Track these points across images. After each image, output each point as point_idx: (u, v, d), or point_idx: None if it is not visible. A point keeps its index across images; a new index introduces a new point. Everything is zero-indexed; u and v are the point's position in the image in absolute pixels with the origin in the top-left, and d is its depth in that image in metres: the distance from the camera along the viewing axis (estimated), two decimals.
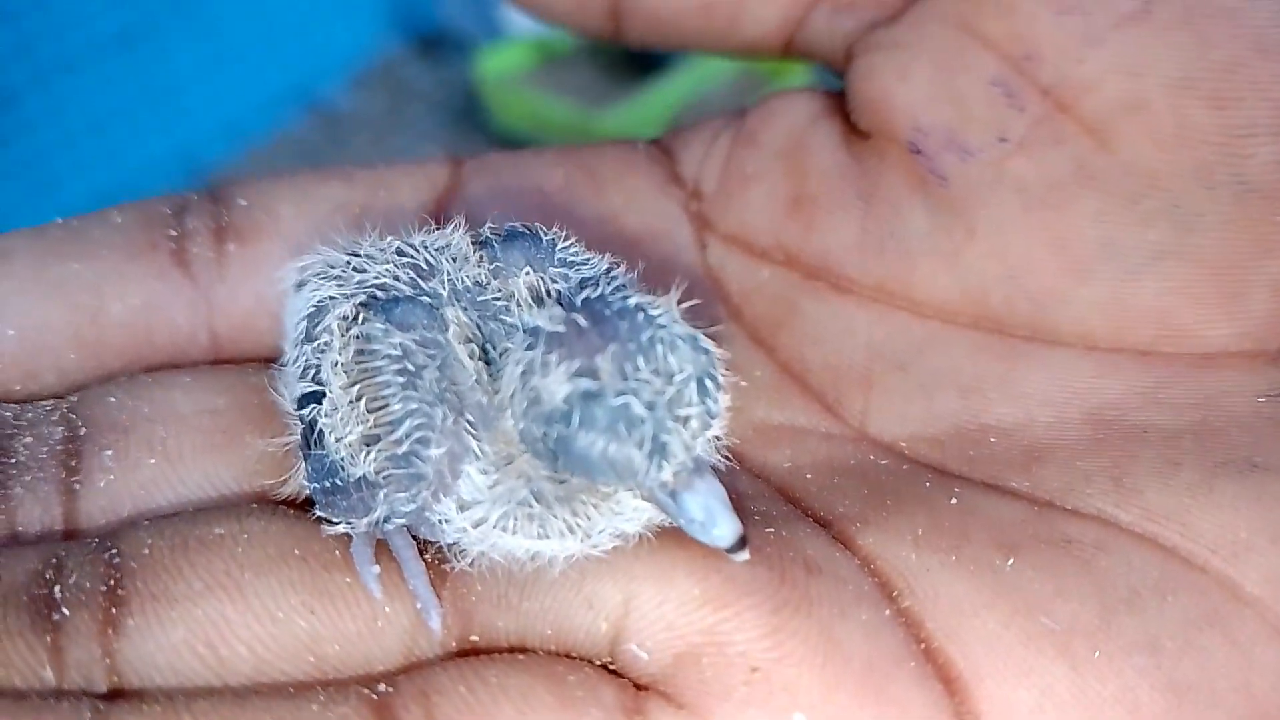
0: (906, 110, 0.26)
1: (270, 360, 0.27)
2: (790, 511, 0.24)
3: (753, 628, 0.21)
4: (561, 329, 0.21)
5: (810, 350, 0.27)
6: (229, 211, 0.28)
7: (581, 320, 0.21)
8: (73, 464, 0.24)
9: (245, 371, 0.26)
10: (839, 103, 0.29)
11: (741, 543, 0.21)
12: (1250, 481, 0.23)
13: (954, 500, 0.23)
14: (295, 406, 0.24)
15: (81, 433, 0.25)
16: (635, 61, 0.95)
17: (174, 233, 0.27)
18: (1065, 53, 0.25)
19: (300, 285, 0.25)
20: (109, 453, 0.24)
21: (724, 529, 0.21)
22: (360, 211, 0.28)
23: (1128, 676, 0.20)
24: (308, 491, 0.24)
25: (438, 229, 0.25)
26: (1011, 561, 0.22)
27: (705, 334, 0.21)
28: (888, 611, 0.21)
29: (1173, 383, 0.25)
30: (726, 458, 0.22)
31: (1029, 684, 0.20)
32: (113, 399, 0.25)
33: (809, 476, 0.25)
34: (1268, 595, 0.21)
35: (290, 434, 0.24)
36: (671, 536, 0.22)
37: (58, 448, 0.24)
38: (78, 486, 0.24)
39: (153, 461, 0.24)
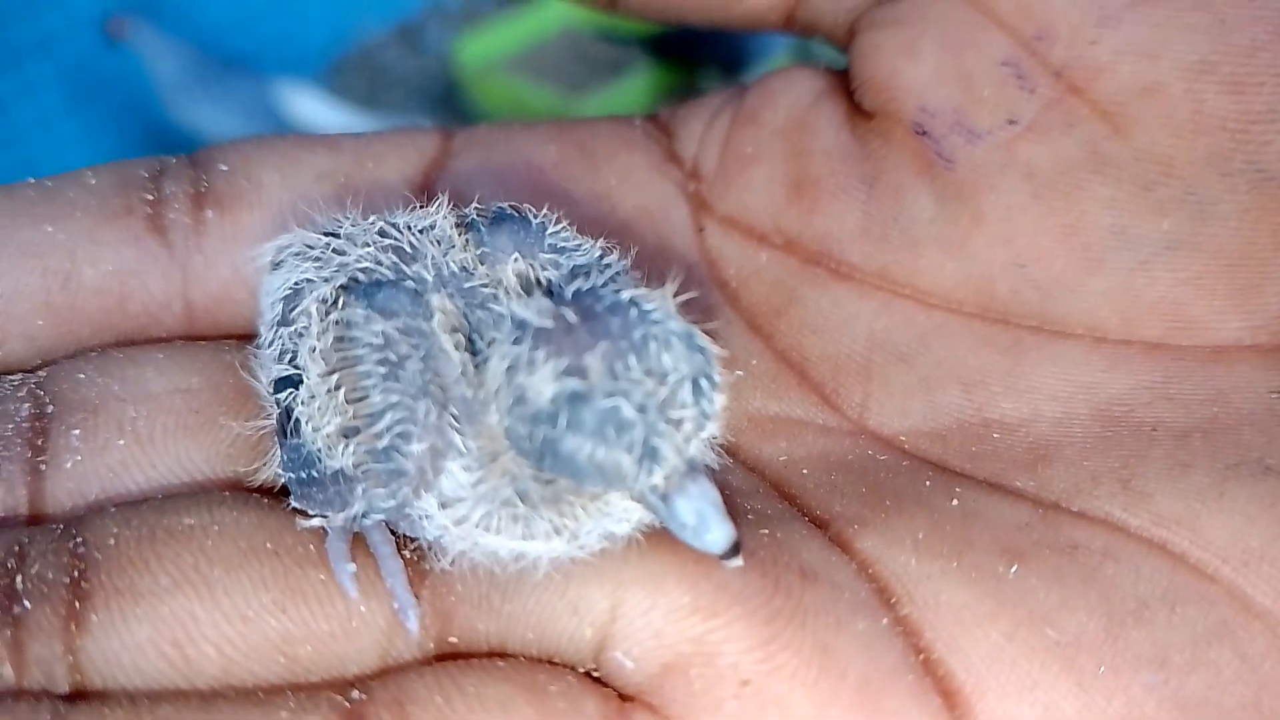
0: (912, 90, 0.25)
1: (246, 337, 0.25)
2: (786, 510, 0.23)
3: (744, 638, 0.20)
4: (550, 324, 0.19)
5: (809, 339, 0.26)
6: (209, 177, 0.27)
7: (571, 315, 0.20)
8: (40, 443, 0.23)
9: (221, 349, 0.25)
10: (842, 81, 0.28)
11: (735, 549, 0.20)
12: (1263, 486, 0.22)
13: (955, 501, 0.22)
14: (271, 391, 0.23)
15: (49, 410, 0.23)
16: (617, 47, 0.94)
17: (151, 197, 0.26)
18: (1079, 32, 0.24)
19: (277, 264, 0.24)
20: (76, 432, 0.23)
21: (716, 535, 0.19)
22: (345, 181, 0.27)
23: (1135, 693, 0.19)
24: (283, 480, 0.23)
25: (423, 206, 0.24)
26: (1015, 569, 0.21)
27: (702, 329, 0.20)
28: (885, 620, 0.20)
29: (1183, 378, 0.24)
30: (720, 452, 0.21)
31: (1032, 700, 0.19)
32: (82, 375, 0.24)
33: (805, 472, 0.24)
34: (1278, 608, 0.20)
35: (266, 418, 0.23)
36: (662, 539, 0.20)
37: (24, 425, 0.23)
38: (44, 467, 0.23)
39: (122, 443, 0.23)
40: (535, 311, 0.20)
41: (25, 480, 0.23)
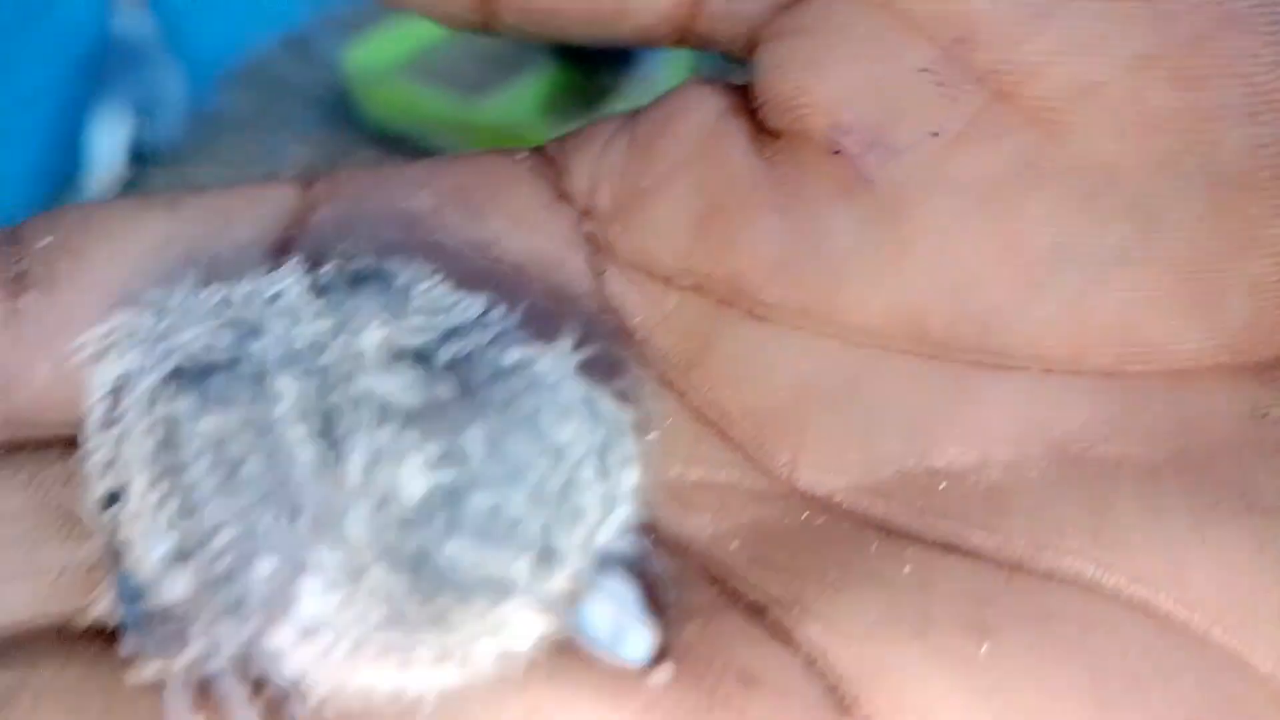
0: (822, 106, 0.23)
1: (75, 443, 0.21)
2: (716, 597, 0.20)
3: None
4: (418, 402, 0.17)
5: (728, 392, 0.23)
6: (27, 254, 0.23)
7: (444, 389, 0.17)
8: None
9: (43, 461, 0.22)
10: (745, 96, 0.25)
11: (660, 657, 0.17)
12: (1248, 527, 0.19)
13: (909, 569, 0.20)
14: (98, 508, 0.19)
15: None
16: (515, 45, 0.91)
17: None
18: (1004, 33, 0.21)
19: (102, 355, 0.20)
20: None
21: (636, 644, 0.17)
22: (189, 248, 0.23)
23: None
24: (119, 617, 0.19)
25: (276, 269, 0.20)
26: (987, 648, 0.18)
27: (606, 391, 0.18)
28: None
29: (1144, 407, 0.21)
30: (636, 533, 0.18)
31: None
32: None
33: (735, 546, 0.21)
34: None
35: (94, 544, 0.19)
36: (574, 654, 0.17)
37: None
38: None
39: None
40: (399, 388, 0.17)
41: None
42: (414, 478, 0.16)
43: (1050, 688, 0.18)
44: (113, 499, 0.19)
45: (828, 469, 0.22)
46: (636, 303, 0.24)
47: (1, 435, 0.22)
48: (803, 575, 0.20)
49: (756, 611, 0.19)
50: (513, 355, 0.17)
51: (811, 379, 0.23)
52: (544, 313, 0.22)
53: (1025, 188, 0.22)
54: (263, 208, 0.25)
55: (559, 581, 0.16)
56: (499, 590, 0.16)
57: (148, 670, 0.18)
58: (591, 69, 0.86)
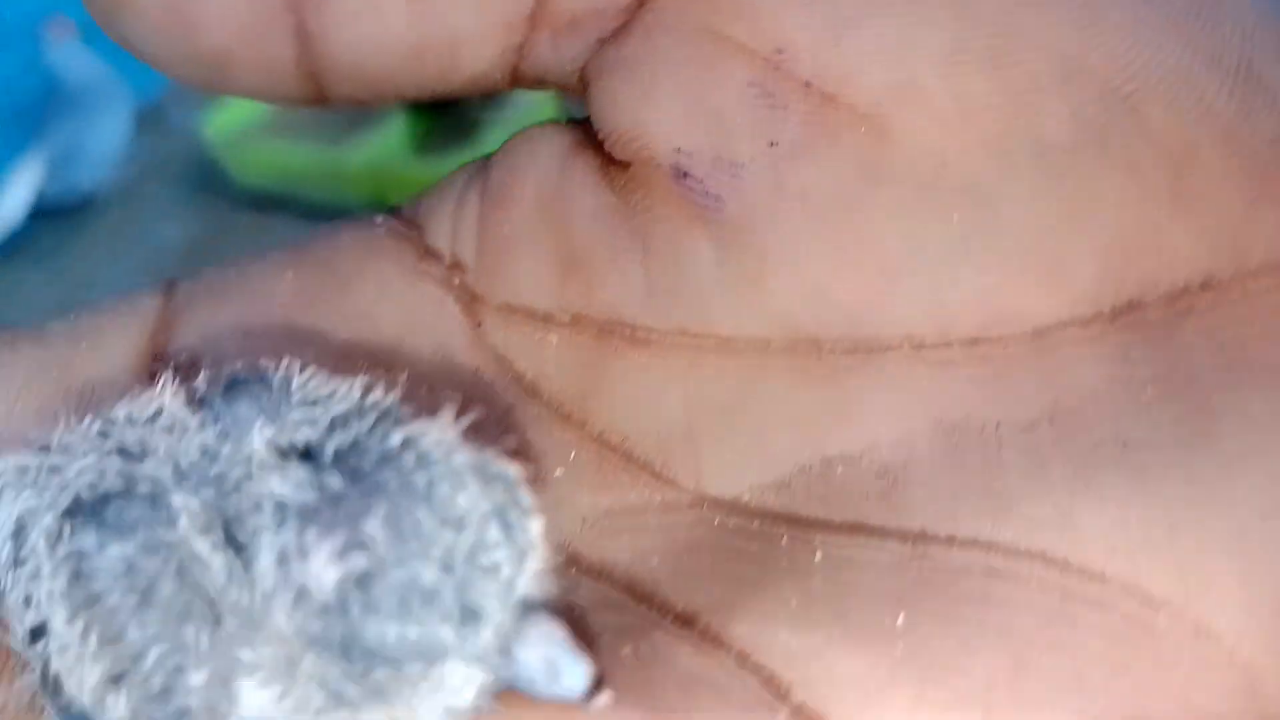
0: (661, 133, 0.23)
1: None
2: (645, 615, 0.21)
3: None
4: (313, 497, 0.17)
5: (624, 417, 0.24)
6: None
7: (335, 481, 0.17)
8: None
9: None
10: (590, 131, 0.25)
11: (597, 684, 0.17)
12: (1126, 465, 0.20)
13: (819, 556, 0.21)
14: (26, 644, 0.19)
15: None
16: None
17: None
18: (819, 40, 0.22)
19: None
20: None
21: (572, 678, 0.17)
22: (59, 378, 0.23)
23: None
24: None
25: (145, 390, 0.21)
26: (903, 618, 0.19)
27: (497, 450, 0.18)
28: (783, 715, 0.18)
29: (1013, 368, 0.22)
30: (556, 571, 0.19)
31: None
32: None
33: (656, 562, 0.22)
34: (1178, 595, 0.19)
35: (29, 676, 0.19)
36: (515, 696, 0.18)
37: None
38: None
39: None
40: (291, 487, 0.17)
41: None
42: (323, 570, 0.17)
43: (965, 644, 0.19)
44: (39, 633, 0.19)
45: (731, 473, 0.23)
46: (519, 347, 0.25)
47: None
48: (723, 579, 0.21)
49: (686, 621, 0.20)
50: (397, 437, 0.18)
51: (699, 394, 0.24)
52: (424, 379, 0.23)
53: (866, 188, 0.23)
54: (128, 324, 0.25)
55: (485, 637, 0.17)
56: (430, 655, 0.17)
57: None
58: (455, 104, 0.86)
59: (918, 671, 0.19)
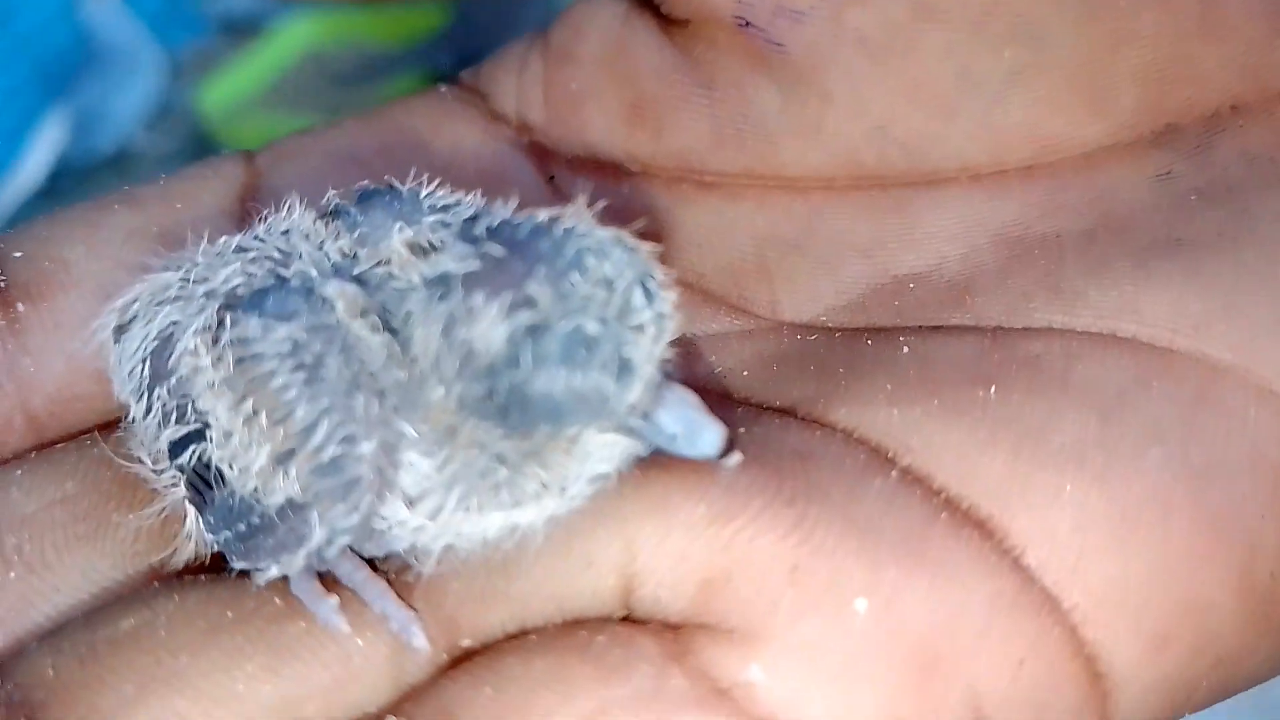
0: None
1: (105, 425, 0.23)
2: (747, 411, 0.22)
3: (774, 528, 0.19)
4: (475, 266, 0.18)
5: (698, 256, 0.25)
6: (6, 269, 0.24)
7: (496, 250, 0.18)
8: None
9: (83, 446, 0.23)
10: None
11: (730, 446, 0.19)
12: (1181, 258, 0.22)
13: (906, 350, 0.22)
14: (169, 459, 0.21)
15: None
16: (365, 60, 0.91)
17: None
18: None
19: (123, 327, 0.22)
20: None
21: (709, 436, 0.19)
22: (159, 232, 0.25)
23: (1150, 473, 0.20)
24: (208, 551, 0.21)
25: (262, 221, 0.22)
26: (994, 390, 0.21)
27: (630, 230, 0.19)
28: (894, 476, 0.20)
29: (1065, 188, 0.24)
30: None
31: (1061, 505, 0.19)
32: None
33: (747, 374, 0.23)
34: (1240, 360, 0.21)
35: (162, 499, 0.21)
36: (650, 464, 0.20)
37: None
38: None
39: (14, 575, 0.21)
40: (455, 259, 0.19)
41: None
42: (492, 329, 0.18)
43: (1053, 410, 0.20)
44: (184, 443, 0.20)
45: (806, 300, 0.25)
46: (592, 197, 0.27)
47: (29, 439, 0.23)
48: (816, 378, 0.22)
49: (786, 413, 0.22)
50: (541, 215, 0.19)
51: (769, 230, 0.25)
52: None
53: (921, 26, 0.24)
54: (214, 183, 0.26)
55: (636, 392, 0.18)
56: (591, 408, 0.18)
57: (269, 573, 0.19)
58: (447, 74, 0.86)
59: (1013, 434, 0.20)
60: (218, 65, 0.92)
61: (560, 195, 0.27)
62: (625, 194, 0.26)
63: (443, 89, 0.29)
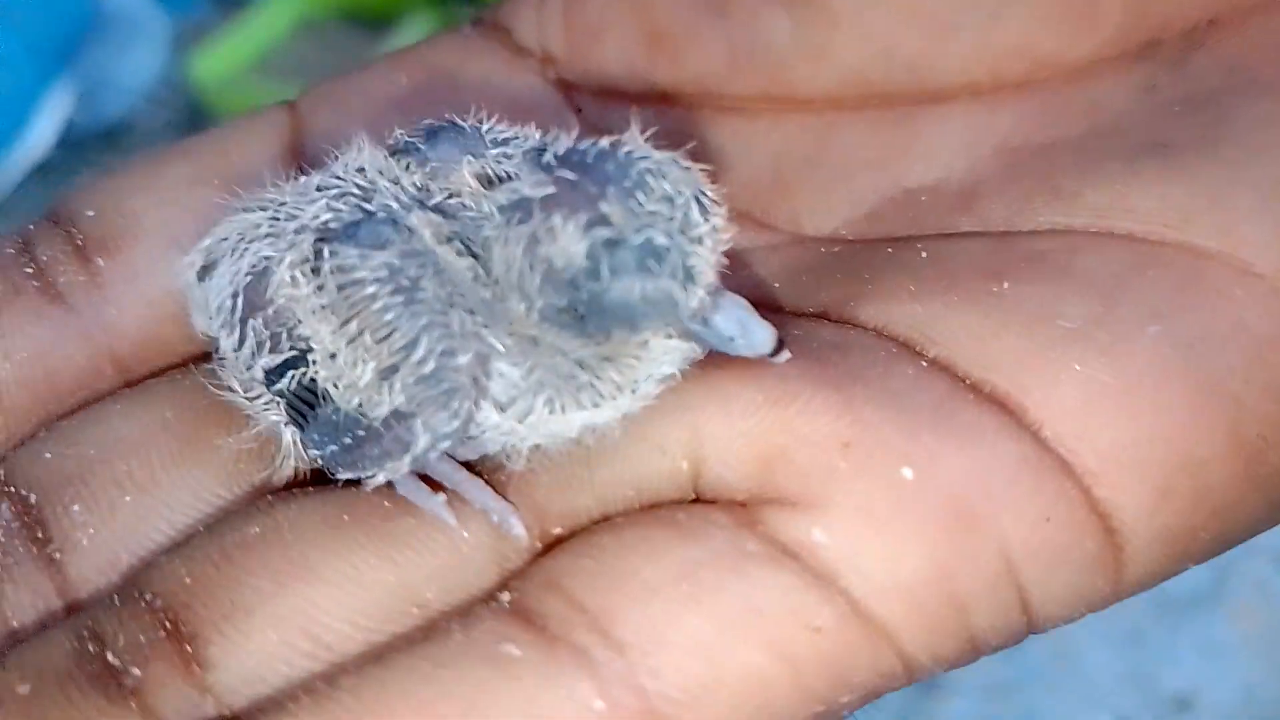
0: None
1: (186, 362, 0.25)
2: (783, 316, 0.24)
3: (825, 408, 0.21)
4: (551, 189, 0.20)
5: (719, 177, 0.28)
6: (80, 227, 0.26)
7: (569, 174, 0.20)
8: (40, 534, 0.23)
9: (174, 379, 0.25)
10: None
11: (780, 344, 0.21)
12: (1168, 158, 0.24)
13: (924, 254, 0.25)
14: (266, 386, 0.23)
15: (32, 499, 0.23)
16: (359, 27, 0.92)
17: (31, 270, 0.25)
18: None
19: (209, 267, 0.24)
20: (76, 508, 0.23)
21: (763, 335, 0.21)
22: (220, 182, 0.26)
23: (1151, 350, 0.22)
24: (307, 468, 0.23)
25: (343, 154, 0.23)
26: (1006, 285, 0.23)
27: (680, 153, 0.21)
28: (924, 363, 0.22)
29: (1058, 99, 0.27)
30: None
31: (1072, 381, 0.22)
32: (48, 455, 0.23)
33: (778, 285, 0.25)
34: (1224, 246, 0.23)
35: (257, 423, 0.23)
36: (708, 364, 0.22)
37: (14, 525, 0.23)
38: (58, 555, 0.22)
39: (129, 498, 0.23)
40: (531, 184, 0.20)
41: (46, 574, 0.22)
42: (572, 244, 0.20)
43: (1060, 297, 0.23)
44: (282, 369, 0.22)
45: (823, 213, 0.27)
46: (619, 123, 0.26)
47: (117, 383, 0.25)
48: (841, 284, 0.25)
49: (819, 317, 0.24)
50: (602, 142, 0.21)
51: (785, 148, 0.28)
52: None
53: None
54: (263, 130, 0.28)
55: (699, 297, 0.20)
56: (661, 313, 0.20)
57: (376, 479, 0.22)
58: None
59: (1025, 318, 0.22)
60: (211, 36, 0.93)
61: (590, 126, 0.28)
62: (649, 120, 0.28)
63: (465, 28, 0.31)
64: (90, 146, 0.96)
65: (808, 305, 0.25)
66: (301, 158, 0.27)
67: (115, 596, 0.21)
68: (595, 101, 0.29)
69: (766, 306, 0.25)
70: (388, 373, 0.21)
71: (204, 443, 0.23)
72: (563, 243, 0.20)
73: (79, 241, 0.26)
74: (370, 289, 0.21)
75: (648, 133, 0.21)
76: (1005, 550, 0.21)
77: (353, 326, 0.21)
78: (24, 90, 0.86)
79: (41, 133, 0.84)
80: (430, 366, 0.21)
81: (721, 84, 0.28)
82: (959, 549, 0.21)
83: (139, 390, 0.25)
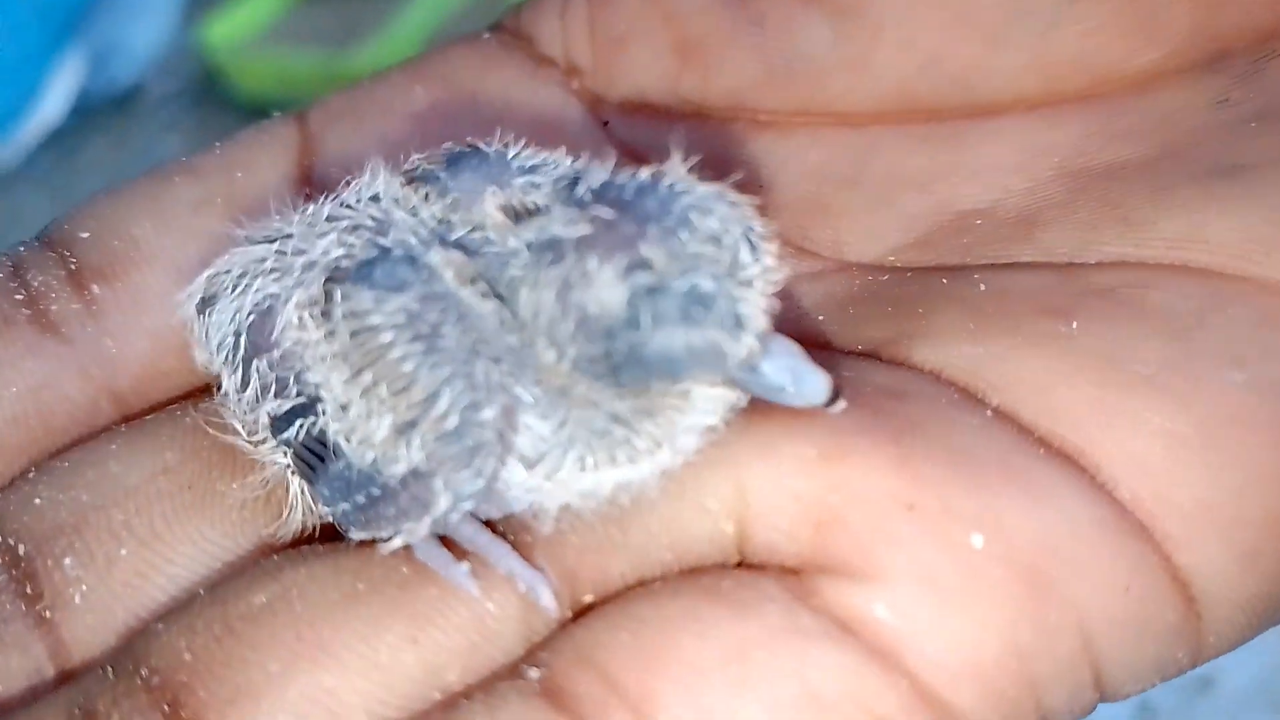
0: None
1: (190, 395, 0.23)
2: (829, 355, 0.22)
3: (885, 466, 0.19)
4: (587, 229, 0.18)
5: (757, 195, 0.26)
6: (74, 250, 0.24)
7: (605, 212, 0.18)
8: (29, 590, 0.21)
9: (174, 416, 0.23)
10: None
11: (836, 394, 0.19)
12: (1243, 181, 0.22)
13: (983, 287, 0.23)
14: (273, 433, 0.21)
15: (21, 550, 0.21)
16: None
17: (22, 296, 0.24)
18: None
19: (208, 300, 0.22)
20: (68, 561, 0.21)
21: (816, 385, 0.19)
22: (224, 204, 0.25)
23: (1232, 396, 0.20)
24: (317, 521, 0.21)
25: (356, 180, 0.22)
26: (1075, 325, 0.21)
27: (728, 184, 0.19)
28: (988, 413, 0.20)
29: (1123, 115, 0.24)
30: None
31: (1149, 433, 0.20)
32: (39, 500, 0.22)
33: (822, 319, 0.23)
34: None
35: (264, 470, 0.21)
36: (753, 413, 0.20)
37: (2, 578, 0.21)
38: (49, 613, 0.21)
39: (125, 551, 0.21)
40: (563, 223, 0.19)
41: (36, 635, 0.21)
42: (609, 291, 0.18)
43: (1134, 339, 0.21)
44: (291, 416, 0.20)
45: (868, 238, 0.25)
46: (648, 140, 0.26)
47: (115, 417, 0.24)
48: (893, 319, 0.23)
49: (869, 356, 0.22)
50: (642, 173, 0.19)
51: (825, 166, 0.25)
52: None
53: None
54: (271, 150, 0.26)
55: (749, 345, 0.18)
56: (707, 364, 0.18)
57: (393, 543, 0.20)
58: None
59: (1096, 364, 0.21)
60: (222, 2, 0.91)
61: (616, 142, 0.26)
62: (680, 136, 0.26)
63: (485, 35, 0.29)
64: (102, 113, 0.94)
65: (856, 342, 0.23)
66: (311, 178, 0.26)
67: (110, 668, 0.20)
68: (622, 115, 0.27)
69: (811, 343, 0.23)
70: (406, 428, 0.19)
71: (208, 489, 0.22)
72: (598, 289, 0.18)
73: (73, 266, 0.24)
74: (386, 337, 0.19)
75: (689, 160, 0.20)
76: (1084, 625, 0.19)
77: (367, 377, 0.19)
78: (35, 58, 0.84)
79: (54, 100, 0.82)
80: (453, 422, 0.19)
81: (756, 97, 0.26)
82: (1034, 625, 0.19)
83: (138, 429, 0.23)
